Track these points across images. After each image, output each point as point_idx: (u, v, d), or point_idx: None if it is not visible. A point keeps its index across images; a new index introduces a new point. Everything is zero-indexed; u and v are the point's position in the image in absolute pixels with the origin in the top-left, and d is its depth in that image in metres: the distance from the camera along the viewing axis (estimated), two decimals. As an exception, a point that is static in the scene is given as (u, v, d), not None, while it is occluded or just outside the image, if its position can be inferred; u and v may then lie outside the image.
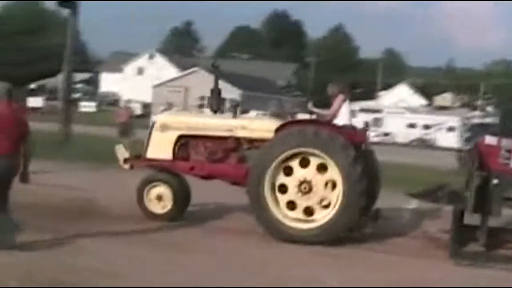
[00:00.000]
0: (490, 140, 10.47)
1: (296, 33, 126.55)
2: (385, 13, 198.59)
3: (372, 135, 58.82)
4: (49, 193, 13.54)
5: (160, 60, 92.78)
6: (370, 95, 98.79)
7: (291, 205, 11.06)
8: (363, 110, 65.76)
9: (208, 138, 11.96)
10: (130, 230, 10.96)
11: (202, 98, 70.57)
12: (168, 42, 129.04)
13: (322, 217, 10.87)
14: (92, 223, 11.29)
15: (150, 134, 12.21)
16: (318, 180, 10.92)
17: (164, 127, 12.09)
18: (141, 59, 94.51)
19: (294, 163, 11.02)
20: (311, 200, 10.96)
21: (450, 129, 59.54)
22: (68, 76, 30.16)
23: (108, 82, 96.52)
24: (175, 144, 12.03)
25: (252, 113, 13.51)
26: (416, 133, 61.79)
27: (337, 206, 10.77)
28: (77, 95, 72.89)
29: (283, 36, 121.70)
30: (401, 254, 10.64)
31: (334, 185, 10.91)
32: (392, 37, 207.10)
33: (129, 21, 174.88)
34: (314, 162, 10.99)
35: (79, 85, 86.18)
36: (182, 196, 12.01)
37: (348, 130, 11.43)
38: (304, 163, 11.02)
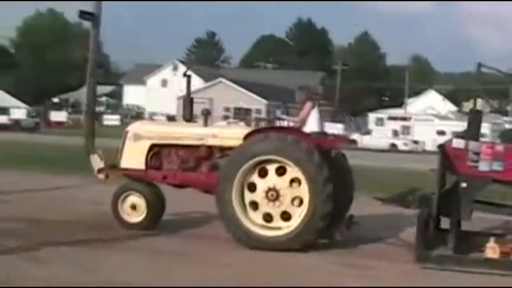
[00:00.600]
0: (457, 143, 10.50)
1: (322, 41, 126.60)
2: (410, 17, 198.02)
3: (401, 144, 59.10)
4: (72, 208, 13.74)
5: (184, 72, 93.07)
6: (398, 102, 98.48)
7: (268, 217, 11.09)
8: (391, 118, 65.53)
9: (180, 147, 12.12)
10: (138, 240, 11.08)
11: (227, 109, 71.02)
12: (192, 53, 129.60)
13: (286, 225, 10.95)
14: (111, 235, 11.42)
15: (123, 143, 12.39)
16: (285, 189, 10.98)
17: (137, 137, 12.26)
18: (165, 70, 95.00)
19: (254, 177, 11.10)
20: (283, 204, 11.00)
21: (480, 135, 58.95)
22: (92, 89, 30.37)
23: (132, 95, 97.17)
24: (148, 154, 12.18)
25: (223, 122, 13.59)
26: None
27: (302, 215, 10.82)
28: (100, 109, 73.46)
29: (308, 44, 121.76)
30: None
31: (301, 201, 10.96)
32: (418, 43, 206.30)
33: (152, 33, 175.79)
34: (272, 168, 11.06)
35: (102, 98, 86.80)
36: (156, 205, 12.10)
37: (315, 136, 11.52)
38: (263, 173, 11.10)
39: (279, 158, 10.94)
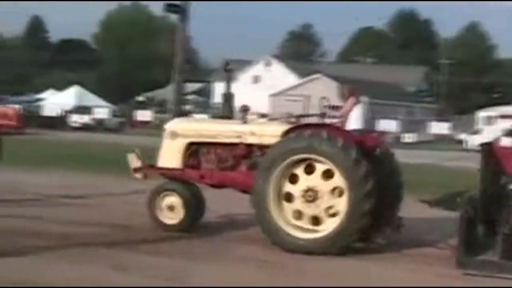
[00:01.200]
0: (505, 141, 9.91)
1: (426, 33, 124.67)
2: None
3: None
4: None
5: (277, 68, 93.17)
6: (510, 99, 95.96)
7: (297, 214, 11.29)
8: (503, 117, 63.75)
9: (218, 145, 12.30)
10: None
11: (324, 107, 70.53)
12: (286, 48, 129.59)
13: (327, 227, 11.08)
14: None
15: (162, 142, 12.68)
16: (324, 187, 11.15)
17: (174, 135, 12.53)
18: (257, 66, 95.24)
19: (299, 170, 11.29)
20: (317, 209, 11.16)
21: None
22: (179, 87, 30.57)
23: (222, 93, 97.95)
24: (185, 152, 12.40)
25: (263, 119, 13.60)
26: None
27: (342, 214, 10.95)
28: (188, 107, 74.21)
29: (411, 37, 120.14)
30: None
31: (340, 193, 11.09)
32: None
33: (243, 27, 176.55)
34: (319, 167, 11.21)
35: (190, 96, 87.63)
36: (194, 206, 12.30)
37: (355, 133, 11.69)
38: (310, 170, 11.26)
39: (313, 156, 11.10)
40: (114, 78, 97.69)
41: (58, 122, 55.25)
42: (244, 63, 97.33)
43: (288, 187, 11.35)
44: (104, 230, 12.23)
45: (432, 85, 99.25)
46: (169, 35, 61.72)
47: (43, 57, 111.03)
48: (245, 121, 12.42)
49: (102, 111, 61.28)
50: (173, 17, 34.58)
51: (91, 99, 66.53)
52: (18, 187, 16.39)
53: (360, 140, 11.41)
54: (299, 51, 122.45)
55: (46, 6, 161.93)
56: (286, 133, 11.51)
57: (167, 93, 62.75)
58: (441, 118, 72.67)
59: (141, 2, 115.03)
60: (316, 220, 11.26)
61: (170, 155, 12.51)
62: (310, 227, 11.24)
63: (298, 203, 11.26)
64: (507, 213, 10.19)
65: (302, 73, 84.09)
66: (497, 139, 10.65)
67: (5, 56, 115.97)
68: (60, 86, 77.81)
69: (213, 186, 12.58)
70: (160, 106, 76.00)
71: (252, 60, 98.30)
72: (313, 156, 11.13)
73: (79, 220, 12.91)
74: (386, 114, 54.48)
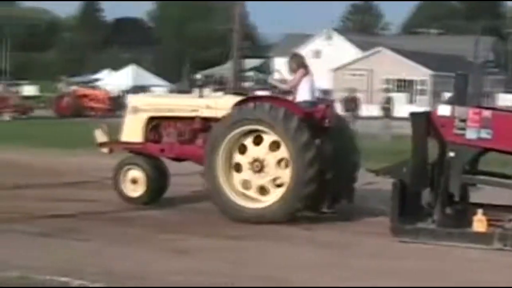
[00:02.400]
0: (443, 110, 10.73)
1: (494, 2, 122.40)
2: None
3: None
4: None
5: (338, 41, 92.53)
6: None
7: (245, 184, 11.84)
8: None
9: (176, 119, 12.88)
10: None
11: (387, 81, 70.02)
12: (347, 20, 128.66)
13: (272, 197, 11.59)
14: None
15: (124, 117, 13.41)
16: (270, 158, 11.70)
17: (135, 110, 13.15)
18: (318, 40, 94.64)
19: (248, 141, 11.83)
20: (264, 179, 11.69)
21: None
22: (238, 64, 30.62)
23: (282, 68, 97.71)
24: (146, 127, 13.00)
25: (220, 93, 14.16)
26: None
27: (287, 182, 11.48)
28: (248, 84, 74.26)
29: (478, 5, 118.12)
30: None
31: (287, 164, 11.58)
32: None
33: (302, 1, 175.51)
34: (266, 139, 11.76)
35: (250, 73, 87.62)
36: (156, 179, 12.86)
37: (306, 108, 12.03)
38: (258, 141, 11.80)
39: (257, 127, 11.66)
40: (171, 57, 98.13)
41: (115, 103, 55.89)
42: (304, 37, 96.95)
43: (237, 158, 11.88)
44: (162, 213, 12.46)
45: (500, 55, 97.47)
46: (227, 12, 61.66)
47: (99, 37, 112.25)
48: (201, 95, 13.04)
49: (159, 90, 61.58)
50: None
51: (148, 78, 67.00)
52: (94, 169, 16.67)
53: (307, 112, 11.87)
54: (362, 23, 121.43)
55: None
56: (236, 105, 11.97)
57: (225, 70, 62.90)
58: (509, 89, 71.43)
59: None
60: (263, 190, 11.77)
61: (132, 130, 13.13)
62: (258, 196, 11.77)
63: (245, 173, 11.80)
64: (446, 181, 10.54)
65: (364, 47, 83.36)
66: (435, 108, 11.17)
67: (61, 36, 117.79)
68: (116, 65, 78.52)
69: (174, 159, 13.18)
70: (220, 84, 76.16)
71: (312, 34, 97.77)
72: (257, 126, 11.68)
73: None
74: (451, 86, 53.76)
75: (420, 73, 72.87)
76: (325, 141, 11.79)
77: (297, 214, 11.60)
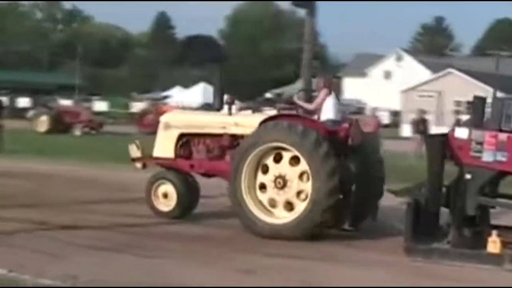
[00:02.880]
0: (460, 132, 11.05)
1: None
2: None
3: None
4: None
5: (409, 62, 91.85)
6: None
7: (272, 202, 12.21)
8: None
9: (205, 136, 13.39)
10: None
11: (458, 103, 69.17)
12: (418, 42, 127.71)
13: (298, 210, 11.88)
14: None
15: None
16: (292, 173, 12.08)
17: (167, 126, 13.70)
18: (388, 61, 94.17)
19: (269, 160, 12.23)
20: (288, 194, 12.06)
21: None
22: (307, 83, 30.57)
23: (352, 88, 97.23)
24: (177, 143, 13.52)
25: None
26: None
27: (307, 202, 11.78)
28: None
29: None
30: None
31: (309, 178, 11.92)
32: None
33: (374, 20, 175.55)
34: (286, 155, 12.11)
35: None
36: (186, 194, 13.32)
37: (329, 126, 12.42)
38: (278, 158, 12.19)
39: (278, 144, 11.99)
40: (241, 75, 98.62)
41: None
42: (374, 58, 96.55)
43: (260, 178, 12.26)
44: (225, 231, 12.57)
45: None
46: (298, 30, 61.74)
47: (170, 54, 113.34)
48: (230, 113, 13.31)
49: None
50: (301, 12, 34.57)
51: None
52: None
53: (330, 130, 12.26)
54: (432, 45, 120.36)
55: (172, 2, 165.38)
56: (261, 124, 12.34)
57: (295, 89, 62.93)
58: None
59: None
60: (290, 206, 12.09)
61: (163, 146, 13.66)
62: (284, 213, 12.10)
63: (270, 191, 12.16)
64: (462, 202, 10.85)
65: (434, 68, 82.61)
66: (452, 130, 11.35)
67: (133, 53, 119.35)
68: (187, 83, 79.21)
69: (203, 175, 13.64)
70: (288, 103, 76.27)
71: (382, 54, 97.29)
72: (277, 144, 12.02)
73: (202, 221, 13.37)
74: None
75: (491, 95, 71.77)
76: (350, 159, 12.15)
77: (320, 230, 11.90)
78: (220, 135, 13.16)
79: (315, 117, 12.95)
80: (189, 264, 10.07)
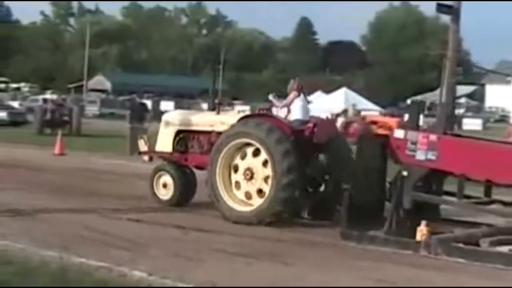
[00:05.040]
0: (398, 133, 12.12)
1: None
2: None
3: None
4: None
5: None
6: None
7: (248, 195, 13.30)
8: None
9: (198, 133, 14.79)
10: None
11: None
12: None
13: (256, 202, 13.08)
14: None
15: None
16: (257, 163, 13.25)
17: (167, 124, 15.15)
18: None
19: (249, 151, 13.35)
20: (257, 183, 13.21)
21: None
22: (450, 90, 30.31)
23: (495, 96, 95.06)
24: (174, 138, 14.92)
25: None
26: None
27: (266, 196, 12.93)
28: (460, 111, 72.95)
29: None
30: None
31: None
32: None
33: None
34: (250, 150, 13.31)
35: (462, 100, 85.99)
36: (184, 185, 14.56)
37: (294, 125, 13.54)
38: (244, 155, 13.41)
39: (248, 140, 13.21)
40: (383, 81, 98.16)
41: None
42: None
43: (233, 177, 13.46)
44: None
45: None
46: (441, 37, 61.05)
47: (312, 59, 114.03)
48: (218, 112, 14.70)
49: (371, 114, 61.39)
50: (445, 18, 34.31)
51: (360, 102, 67.07)
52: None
53: (295, 129, 13.35)
54: None
55: (315, 7, 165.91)
56: (237, 121, 13.64)
57: (437, 96, 62.02)
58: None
59: (411, 2, 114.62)
60: (262, 193, 13.14)
61: (164, 141, 15.13)
62: (244, 199, 13.31)
63: (244, 186, 13.32)
64: (398, 197, 11.79)
65: None
66: (392, 131, 12.41)
67: (275, 58, 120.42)
68: (328, 88, 79.45)
69: (197, 167, 14.81)
70: (428, 110, 75.32)
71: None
72: (247, 139, 13.24)
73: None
74: None
75: None
76: (317, 156, 13.45)
77: (277, 218, 12.81)
78: (209, 132, 14.47)
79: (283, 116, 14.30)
80: (328, 272, 9.92)
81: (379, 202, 12.76)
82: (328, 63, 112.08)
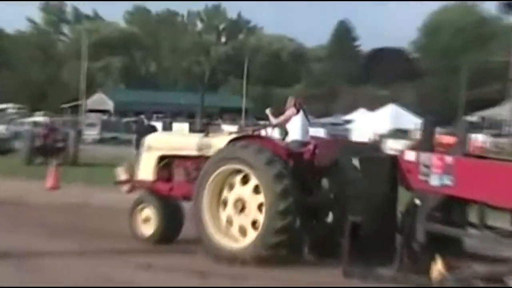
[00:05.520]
0: (408, 155, 12.28)
1: None
2: None
3: None
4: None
5: None
6: None
7: (229, 221, 13.58)
8: None
9: (184, 158, 14.93)
10: None
11: None
12: None
13: (249, 237, 13.26)
14: None
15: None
16: (250, 196, 13.40)
17: (149, 148, 15.39)
18: None
19: (237, 179, 13.59)
20: (245, 219, 13.41)
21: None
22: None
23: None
24: (157, 165, 15.19)
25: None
26: None
27: (261, 226, 13.05)
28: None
29: None
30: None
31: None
32: None
33: None
34: (252, 181, 13.38)
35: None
36: (169, 219, 14.88)
37: (294, 148, 13.91)
38: (246, 180, 13.52)
39: (240, 167, 13.37)
40: (438, 94, 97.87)
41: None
42: None
43: (225, 194, 13.66)
44: None
45: None
46: (506, 41, 61.07)
47: (352, 69, 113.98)
48: (206, 134, 14.89)
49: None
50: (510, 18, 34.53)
51: (410, 120, 66.81)
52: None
53: (293, 152, 13.71)
54: None
55: (355, 9, 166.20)
56: (225, 145, 13.80)
57: (501, 111, 61.81)
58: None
59: (469, 1, 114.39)
60: (244, 231, 13.41)
61: (146, 168, 15.33)
62: (238, 236, 13.44)
63: (229, 210, 13.53)
64: (410, 228, 12.08)
65: None
66: (402, 153, 12.59)
67: (307, 68, 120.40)
68: (373, 104, 79.39)
69: (183, 198, 14.88)
70: (492, 129, 74.81)
71: None
72: (236, 165, 13.40)
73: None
74: None
75: None
76: (320, 181, 13.67)
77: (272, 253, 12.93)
78: (197, 157, 14.59)
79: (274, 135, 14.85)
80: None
81: (389, 234, 12.78)
82: (372, 74, 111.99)
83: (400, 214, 12.69)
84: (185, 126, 63.23)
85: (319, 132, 58.36)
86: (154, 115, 66.46)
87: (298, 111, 14.64)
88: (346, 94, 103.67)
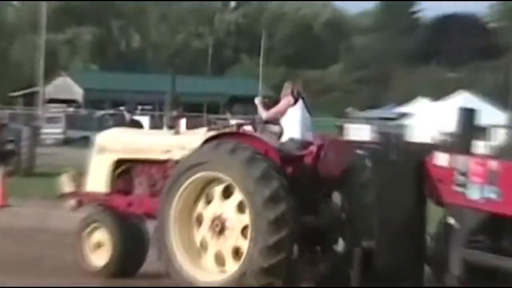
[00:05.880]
0: (439, 158, 12.16)
1: None
2: None
3: None
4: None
5: None
6: None
7: (202, 243, 13.53)
8: None
9: (148, 163, 14.93)
10: None
11: None
12: None
13: (230, 269, 13.15)
14: None
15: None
16: (232, 215, 13.28)
17: (102, 150, 15.35)
18: None
19: (217, 190, 13.52)
20: (223, 245, 13.30)
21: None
22: None
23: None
24: (113, 172, 15.11)
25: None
26: None
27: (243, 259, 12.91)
28: None
29: None
30: None
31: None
32: None
33: None
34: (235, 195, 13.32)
35: None
36: (129, 244, 14.78)
37: (291, 149, 13.70)
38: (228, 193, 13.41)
39: (214, 174, 13.37)
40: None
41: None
42: None
43: (200, 209, 13.60)
44: None
45: None
46: None
47: (409, 45, 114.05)
48: (177, 132, 14.87)
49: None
50: None
51: (488, 113, 66.61)
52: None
53: (290, 155, 13.55)
54: None
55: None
56: (201, 145, 13.69)
57: None
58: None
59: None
60: (221, 259, 13.38)
61: (97, 176, 15.25)
62: (212, 266, 13.42)
63: (204, 231, 13.46)
64: (442, 256, 12.09)
65: None
66: (431, 155, 12.24)
67: (348, 43, 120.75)
68: (438, 91, 79.42)
69: (146, 215, 14.80)
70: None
71: None
72: (214, 173, 13.36)
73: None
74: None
75: None
76: (327, 196, 13.54)
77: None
78: (164, 162, 14.59)
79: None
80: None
81: (414, 264, 12.68)
82: (436, 50, 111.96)
83: (429, 238, 12.62)
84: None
85: (364, 130, 58.53)
86: (139, 107, 66.92)
87: (296, 101, 14.40)
88: (401, 78, 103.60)
